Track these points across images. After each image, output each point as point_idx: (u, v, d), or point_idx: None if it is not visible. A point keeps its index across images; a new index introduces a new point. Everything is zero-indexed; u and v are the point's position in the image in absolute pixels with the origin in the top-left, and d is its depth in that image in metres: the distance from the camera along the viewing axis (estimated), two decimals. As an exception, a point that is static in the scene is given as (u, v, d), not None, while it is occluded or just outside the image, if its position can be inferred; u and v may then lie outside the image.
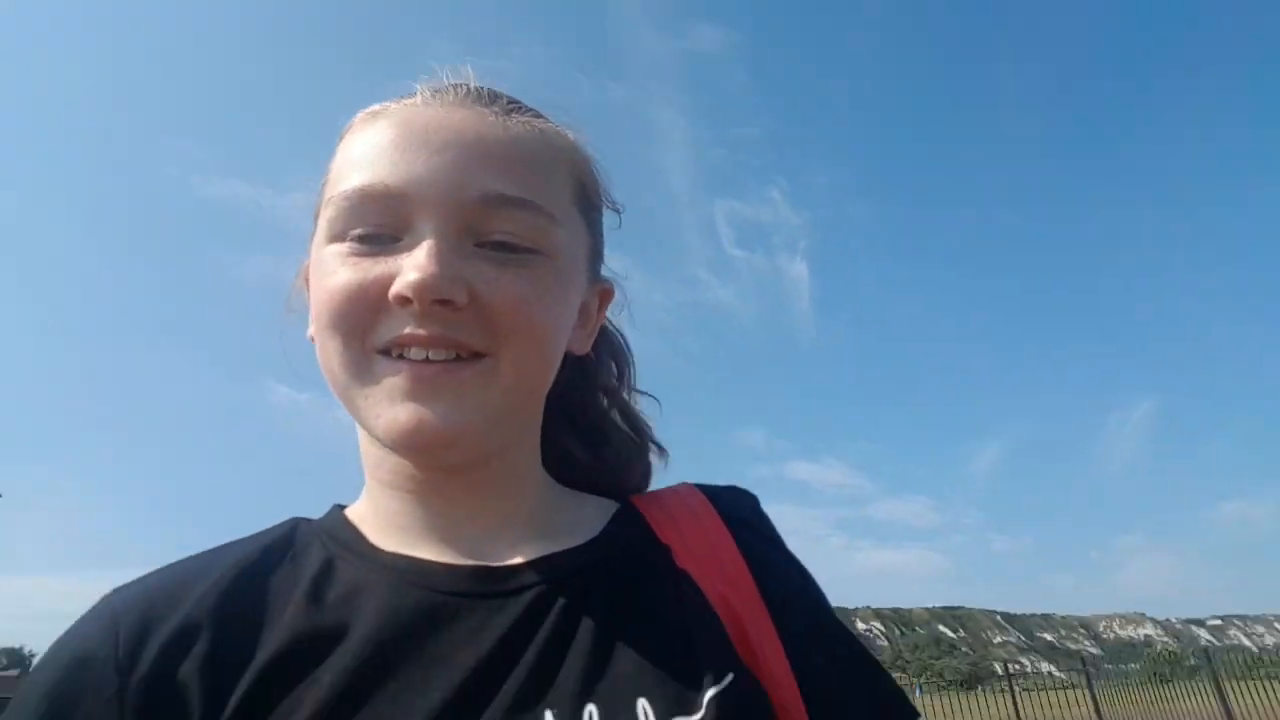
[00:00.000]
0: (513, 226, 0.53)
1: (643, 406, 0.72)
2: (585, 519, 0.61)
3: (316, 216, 0.58)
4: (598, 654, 0.49)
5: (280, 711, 0.43)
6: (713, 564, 0.57)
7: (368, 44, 68.58)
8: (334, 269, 0.52)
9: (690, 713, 0.46)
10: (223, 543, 0.55)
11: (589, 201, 0.61)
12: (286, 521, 0.58)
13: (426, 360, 0.50)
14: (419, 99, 0.57)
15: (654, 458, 0.70)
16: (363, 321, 0.51)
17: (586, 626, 0.50)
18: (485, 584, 0.52)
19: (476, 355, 0.51)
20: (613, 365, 0.71)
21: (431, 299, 0.49)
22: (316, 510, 0.61)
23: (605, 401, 0.70)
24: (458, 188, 0.52)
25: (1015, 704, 16.38)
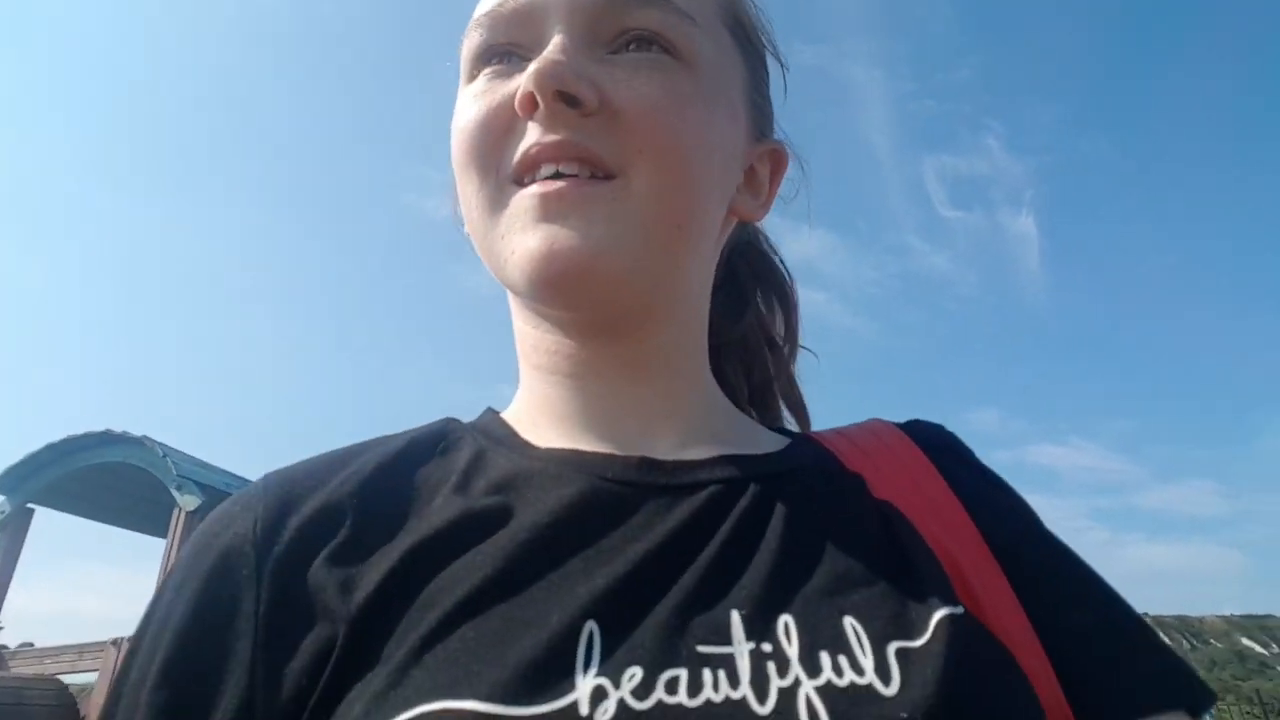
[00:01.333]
0: (646, 22, 0.48)
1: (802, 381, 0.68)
2: (761, 434, 0.57)
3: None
4: (792, 563, 0.41)
5: (435, 588, 0.39)
6: (918, 498, 0.49)
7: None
8: (465, 105, 0.50)
9: (912, 637, 0.37)
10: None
11: (743, 32, 0.56)
12: (439, 420, 0.55)
13: (556, 175, 0.46)
14: None
15: None
16: (495, 149, 0.48)
17: (775, 531, 0.43)
18: (657, 475, 0.46)
19: (609, 176, 0.46)
20: (779, 310, 0.68)
21: (555, 89, 0.45)
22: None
23: (771, 364, 0.67)
24: None
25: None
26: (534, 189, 0.46)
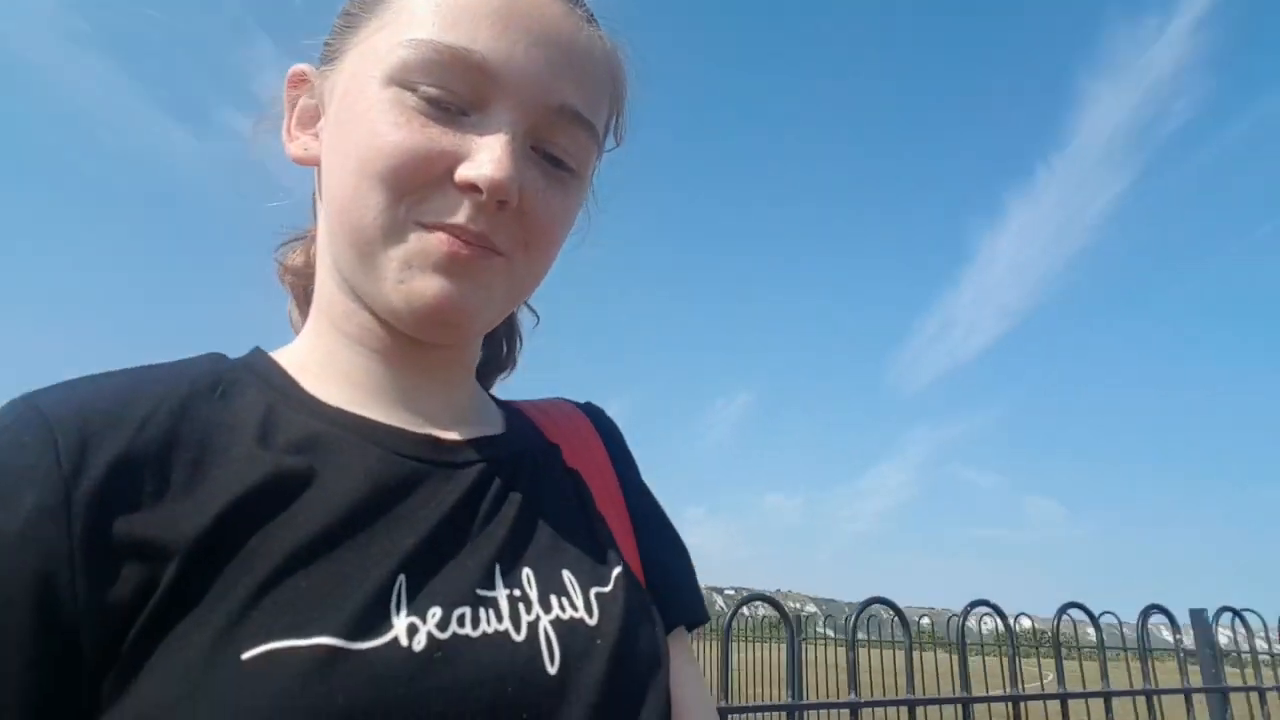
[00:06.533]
0: (571, 144, 0.55)
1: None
2: (493, 411, 0.68)
3: (353, 27, 0.57)
4: (528, 528, 0.56)
5: (260, 539, 0.44)
6: (593, 468, 0.68)
7: None
8: (395, 120, 0.50)
9: (604, 584, 0.56)
10: (137, 365, 0.53)
11: (609, 128, 0.64)
12: (204, 356, 0.56)
13: (465, 243, 0.52)
14: None
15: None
16: (416, 189, 0.51)
17: (514, 502, 0.56)
18: (439, 454, 0.56)
19: (498, 253, 0.54)
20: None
21: (499, 199, 0.51)
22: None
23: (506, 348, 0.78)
24: (545, 90, 0.53)
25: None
26: (445, 244, 0.51)
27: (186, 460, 0.47)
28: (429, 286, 0.51)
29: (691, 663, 0.66)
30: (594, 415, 0.75)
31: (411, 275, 0.51)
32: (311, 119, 0.60)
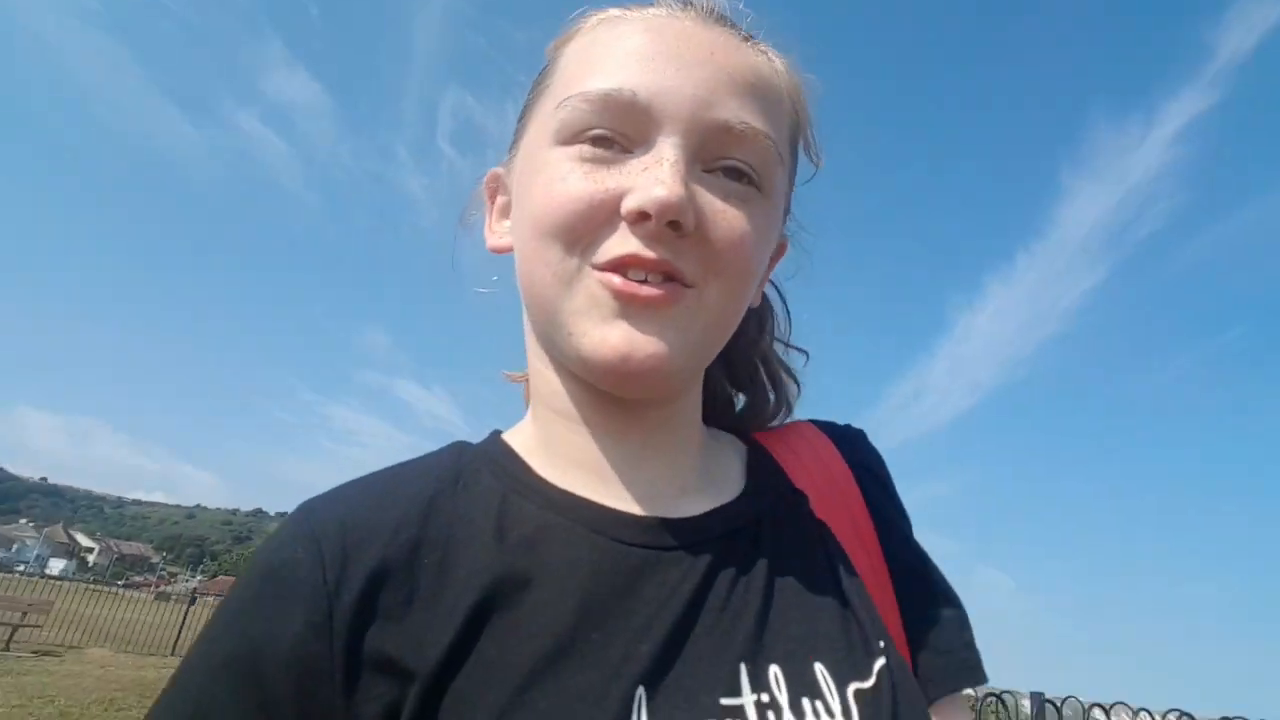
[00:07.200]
0: (746, 156, 0.52)
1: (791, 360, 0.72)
2: (731, 463, 0.62)
3: (525, 116, 0.59)
4: (774, 613, 0.51)
5: (496, 653, 0.44)
6: (844, 516, 0.60)
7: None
8: (564, 174, 0.50)
9: (864, 678, 0.49)
10: (391, 465, 0.56)
11: (796, 148, 0.60)
12: (449, 446, 0.59)
13: (644, 281, 0.49)
14: (662, 9, 0.55)
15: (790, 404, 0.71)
16: (588, 233, 0.50)
17: (756, 583, 0.52)
18: (667, 537, 0.53)
19: (684, 285, 0.50)
20: (755, 318, 0.70)
21: (669, 219, 0.48)
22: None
23: (751, 354, 0.70)
24: (705, 107, 0.50)
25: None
26: (620, 284, 0.48)
27: (433, 563, 0.48)
28: (610, 334, 0.48)
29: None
30: (845, 446, 0.65)
31: (591, 324, 0.49)
32: (508, 208, 0.61)
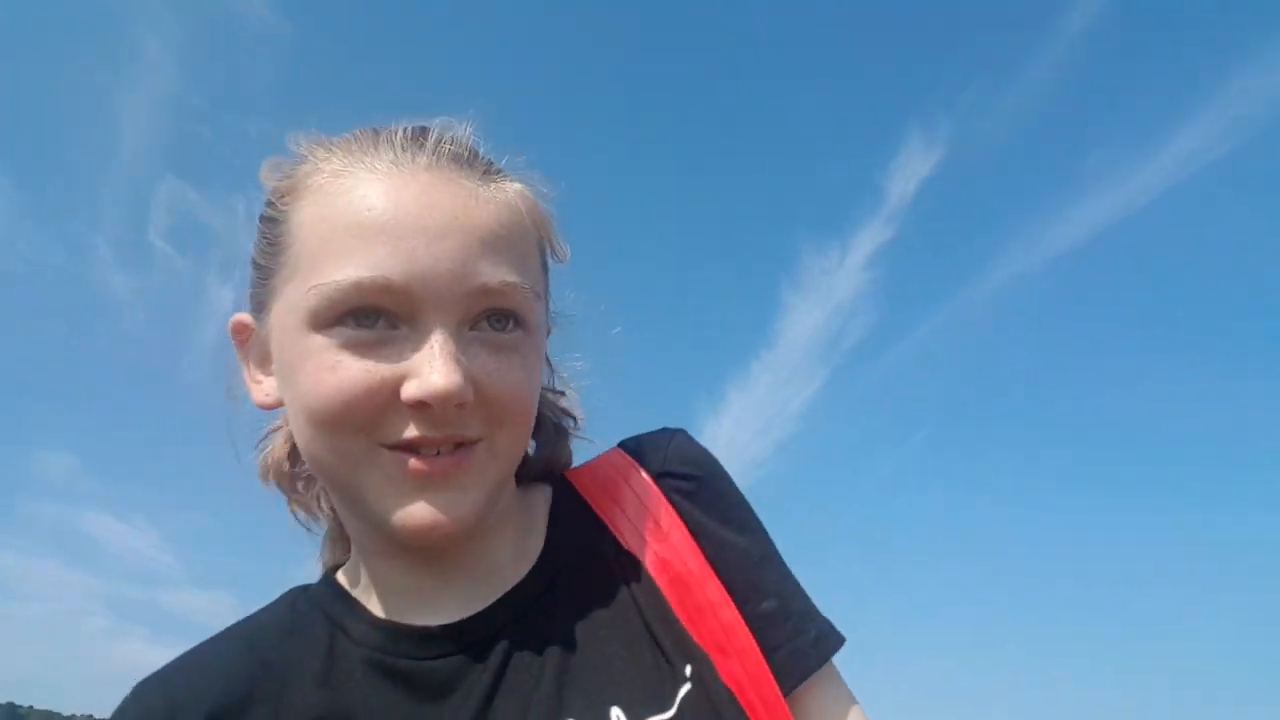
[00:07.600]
0: (506, 305, 0.54)
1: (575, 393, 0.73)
2: (536, 521, 0.64)
3: (266, 275, 0.57)
4: (571, 671, 0.54)
5: None
6: (652, 532, 0.60)
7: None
8: (331, 364, 0.50)
9: (665, 709, 0.52)
10: (229, 624, 0.60)
11: (546, 258, 0.62)
12: (286, 594, 0.63)
13: (437, 454, 0.52)
14: (388, 154, 0.54)
15: (580, 435, 0.72)
16: (369, 420, 0.51)
17: (555, 648, 0.55)
18: (467, 636, 0.56)
19: (474, 442, 0.53)
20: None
21: (454, 405, 0.50)
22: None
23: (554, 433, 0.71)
24: (461, 280, 0.51)
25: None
26: (415, 464, 0.51)
27: (267, 714, 0.53)
28: (415, 510, 0.51)
29: (838, 701, 0.58)
30: (645, 456, 0.64)
31: (392, 501, 0.52)
32: (266, 360, 0.59)
